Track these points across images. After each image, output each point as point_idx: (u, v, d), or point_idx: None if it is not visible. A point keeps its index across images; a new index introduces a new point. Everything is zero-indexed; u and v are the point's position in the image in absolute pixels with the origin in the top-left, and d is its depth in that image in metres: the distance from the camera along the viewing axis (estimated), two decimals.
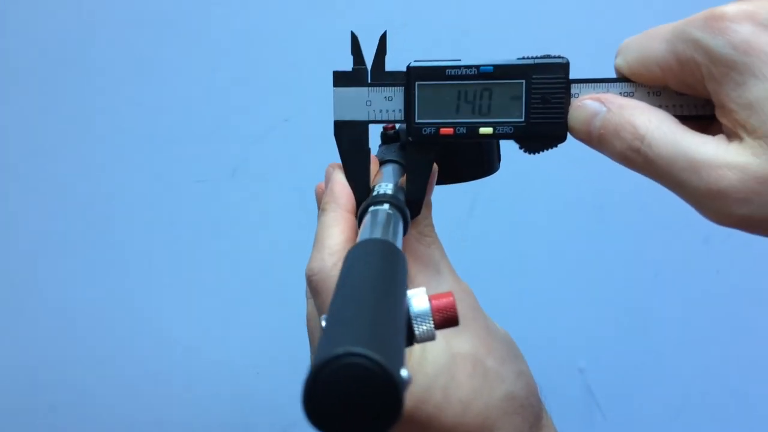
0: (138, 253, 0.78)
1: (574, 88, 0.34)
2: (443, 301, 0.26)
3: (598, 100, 0.32)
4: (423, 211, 0.36)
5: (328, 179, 0.37)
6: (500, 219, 0.76)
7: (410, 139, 0.34)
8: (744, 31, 0.27)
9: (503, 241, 0.78)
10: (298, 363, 0.88)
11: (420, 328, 0.25)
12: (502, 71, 0.33)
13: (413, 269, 0.36)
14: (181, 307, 0.79)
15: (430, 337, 0.25)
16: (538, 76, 0.33)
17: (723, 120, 0.29)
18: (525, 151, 0.34)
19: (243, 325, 0.79)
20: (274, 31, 0.75)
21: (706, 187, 0.28)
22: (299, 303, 0.86)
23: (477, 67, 0.33)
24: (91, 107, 0.77)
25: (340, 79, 0.35)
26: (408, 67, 0.34)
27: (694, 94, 0.31)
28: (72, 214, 0.78)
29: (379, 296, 0.23)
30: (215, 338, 0.79)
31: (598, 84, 0.34)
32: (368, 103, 0.35)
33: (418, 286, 0.34)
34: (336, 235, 0.34)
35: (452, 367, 0.33)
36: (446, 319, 0.26)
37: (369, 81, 0.35)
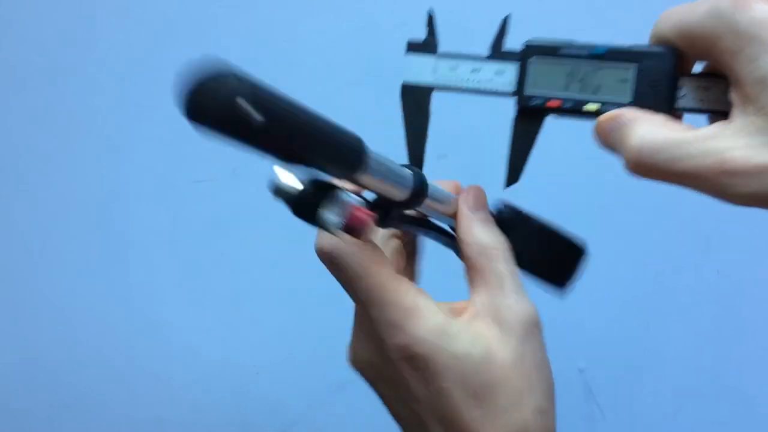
0: (138, 253, 0.78)
1: (681, 89, 0.35)
2: (358, 216, 0.27)
3: (609, 117, 0.34)
4: (485, 231, 0.36)
5: None
6: None
7: (518, 108, 0.37)
8: (765, 9, 0.29)
9: None
10: (298, 363, 0.89)
11: (327, 216, 0.27)
12: (614, 55, 0.35)
13: (476, 281, 0.36)
14: (181, 306, 0.79)
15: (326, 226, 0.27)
16: (649, 63, 0.35)
17: (735, 95, 0.30)
18: None
19: (243, 325, 0.79)
20: (275, 30, 0.75)
21: (717, 170, 0.29)
22: (299, 303, 0.86)
23: (591, 47, 0.35)
24: (90, 107, 0.77)
25: (414, 47, 0.39)
26: (525, 44, 0.37)
27: (713, 66, 0.33)
28: (72, 214, 0.78)
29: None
30: (215, 338, 0.79)
31: (701, 79, 0.35)
32: (435, 71, 0.39)
33: (478, 298, 0.35)
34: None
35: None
36: (352, 229, 0.27)
37: (437, 51, 0.39)
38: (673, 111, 0.34)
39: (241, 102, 0.21)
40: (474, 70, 0.38)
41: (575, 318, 0.80)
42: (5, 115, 0.77)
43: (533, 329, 0.35)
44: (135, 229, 0.78)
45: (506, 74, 0.37)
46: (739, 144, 0.29)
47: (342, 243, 0.32)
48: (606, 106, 0.35)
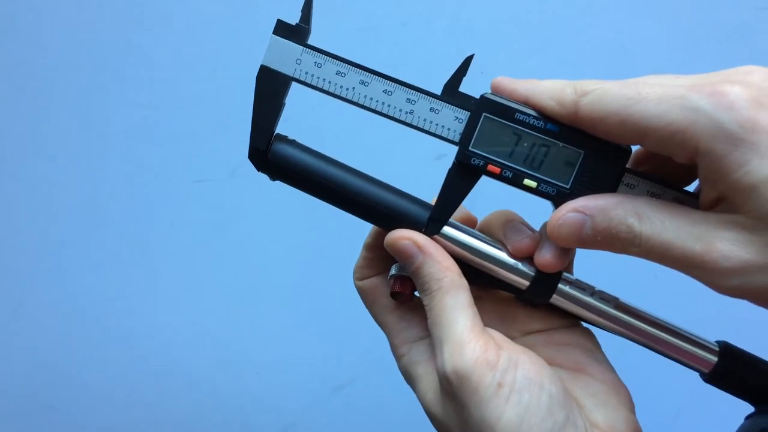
0: (138, 253, 0.78)
1: (628, 178, 0.34)
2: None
3: (575, 210, 0.32)
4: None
5: (408, 253, 0.36)
6: None
7: (457, 161, 0.35)
8: (750, 110, 0.27)
9: None
10: (298, 363, 0.89)
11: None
12: (568, 135, 0.33)
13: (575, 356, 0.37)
14: (181, 307, 0.79)
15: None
16: (598, 154, 0.33)
17: (711, 191, 0.30)
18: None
19: (243, 325, 0.79)
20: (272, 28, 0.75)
21: (705, 263, 0.29)
22: (299, 303, 0.86)
23: (546, 121, 0.34)
24: (90, 107, 0.77)
25: (283, 29, 0.36)
26: (482, 96, 0.35)
27: (670, 161, 0.31)
28: (72, 214, 0.78)
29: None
30: (215, 338, 0.79)
31: (653, 184, 0.34)
32: (298, 62, 0.36)
33: (580, 371, 0.36)
34: (463, 320, 0.33)
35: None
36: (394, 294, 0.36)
37: (306, 43, 0.36)
38: None
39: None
40: (361, 83, 0.35)
41: None
42: (5, 115, 0.77)
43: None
44: (135, 229, 0.78)
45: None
46: (726, 236, 0.29)
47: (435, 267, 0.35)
48: (542, 185, 0.34)
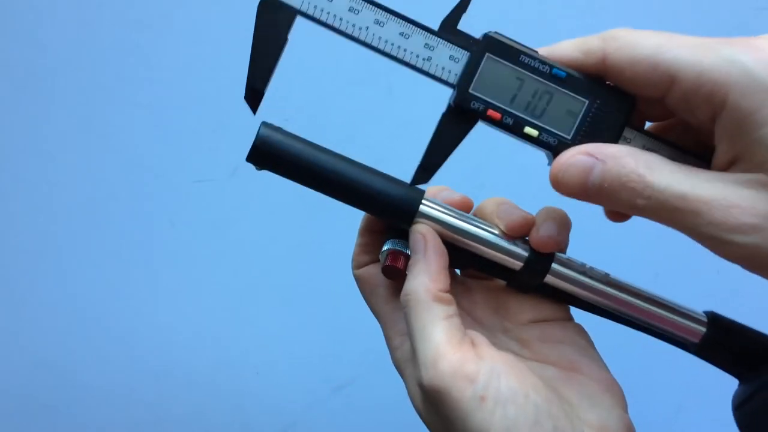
0: (138, 253, 0.78)
1: (627, 132, 0.33)
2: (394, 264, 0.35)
3: (587, 153, 0.31)
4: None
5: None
6: None
7: (454, 104, 0.33)
8: None
9: None
10: (298, 363, 0.89)
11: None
12: (573, 83, 0.32)
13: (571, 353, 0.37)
14: (181, 306, 0.79)
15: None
16: (602, 103, 0.32)
17: (729, 150, 0.29)
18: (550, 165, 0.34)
19: (243, 325, 0.79)
20: None
21: (721, 218, 0.28)
22: (299, 303, 0.86)
23: (551, 66, 0.32)
24: (90, 107, 0.77)
25: None
26: (485, 35, 0.32)
27: (688, 114, 0.30)
28: (72, 214, 0.78)
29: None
30: (215, 338, 0.79)
31: (650, 139, 0.33)
32: None
33: (577, 370, 0.36)
34: (438, 333, 0.32)
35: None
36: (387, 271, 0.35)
37: None
38: None
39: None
40: (377, 22, 0.32)
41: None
42: (5, 115, 0.77)
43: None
44: (135, 229, 0.78)
45: (438, 55, 0.32)
46: (743, 194, 0.28)
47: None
48: (544, 134, 0.32)
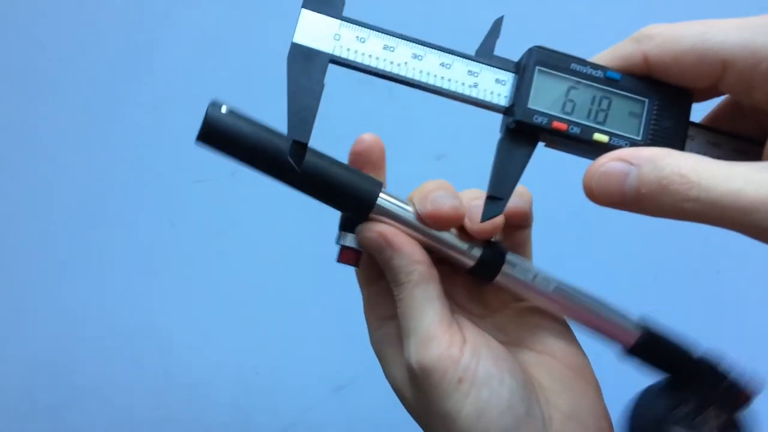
0: (138, 253, 0.78)
1: (690, 130, 0.32)
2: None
3: (619, 159, 0.28)
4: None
5: (378, 243, 0.35)
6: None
7: (516, 123, 0.31)
8: None
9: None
10: (298, 363, 0.89)
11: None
12: (629, 84, 0.31)
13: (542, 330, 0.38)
14: (181, 306, 0.79)
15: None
16: (661, 101, 0.31)
17: None
18: None
19: (243, 325, 0.79)
20: (275, 30, 0.75)
21: None
22: (299, 303, 0.86)
23: (604, 70, 0.31)
24: (90, 107, 0.77)
25: (313, 1, 0.32)
26: (530, 50, 0.32)
27: (745, 96, 0.29)
28: (71, 214, 0.78)
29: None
30: (215, 338, 0.79)
31: (712, 133, 0.32)
32: (337, 38, 0.32)
33: (545, 343, 0.37)
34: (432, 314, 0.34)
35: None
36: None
37: (343, 16, 0.32)
38: None
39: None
40: (415, 56, 0.32)
41: None
42: (5, 115, 0.77)
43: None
44: (135, 229, 0.78)
45: (484, 80, 0.32)
46: None
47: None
48: (614, 139, 0.31)
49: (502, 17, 0.33)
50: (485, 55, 0.32)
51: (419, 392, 0.34)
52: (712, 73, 0.28)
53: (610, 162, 0.29)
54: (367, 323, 0.40)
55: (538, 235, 0.81)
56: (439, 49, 0.32)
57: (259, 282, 0.79)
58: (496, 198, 0.32)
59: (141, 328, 0.79)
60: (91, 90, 0.77)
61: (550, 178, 0.75)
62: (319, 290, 0.78)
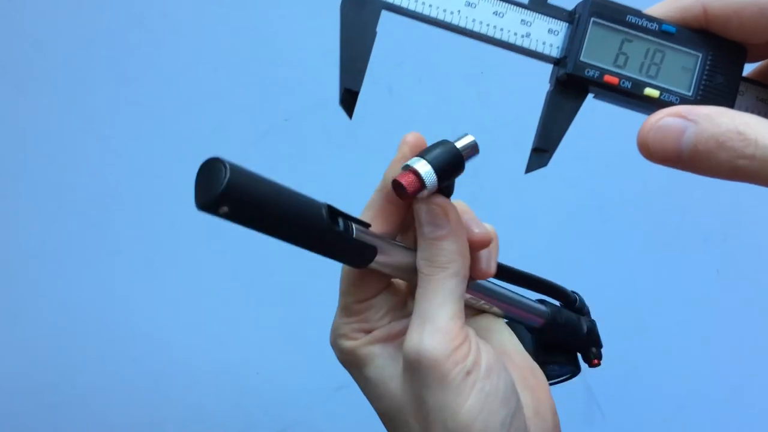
0: (138, 253, 0.78)
1: (741, 86, 0.32)
2: None
3: (677, 114, 0.28)
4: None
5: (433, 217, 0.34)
6: (499, 219, 0.76)
7: (567, 76, 0.31)
8: None
9: (502, 240, 0.78)
10: (298, 363, 0.89)
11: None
12: (683, 37, 0.31)
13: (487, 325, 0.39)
14: (181, 307, 0.79)
15: None
16: (715, 56, 0.31)
17: None
18: None
19: (243, 325, 0.79)
20: (275, 31, 0.75)
21: None
22: (299, 303, 0.86)
23: (660, 23, 0.31)
24: (90, 107, 0.77)
25: None
26: (585, 0, 0.31)
27: None
28: (71, 214, 0.78)
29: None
30: (215, 338, 0.79)
31: (763, 89, 0.32)
32: None
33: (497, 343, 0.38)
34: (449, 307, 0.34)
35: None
36: None
37: None
38: None
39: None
40: (469, 4, 0.31)
41: None
42: (5, 115, 0.77)
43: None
44: (135, 230, 0.78)
45: (536, 30, 0.31)
46: None
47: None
48: (665, 94, 0.31)
49: None
50: (539, 3, 0.31)
51: (415, 380, 0.34)
52: None
53: (667, 117, 0.28)
54: (337, 324, 0.42)
55: (538, 234, 0.81)
56: None
57: (260, 282, 0.79)
58: (541, 150, 0.31)
59: (141, 328, 0.79)
60: (91, 90, 0.77)
61: (551, 177, 0.75)
62: (319, 290, 0.78)
